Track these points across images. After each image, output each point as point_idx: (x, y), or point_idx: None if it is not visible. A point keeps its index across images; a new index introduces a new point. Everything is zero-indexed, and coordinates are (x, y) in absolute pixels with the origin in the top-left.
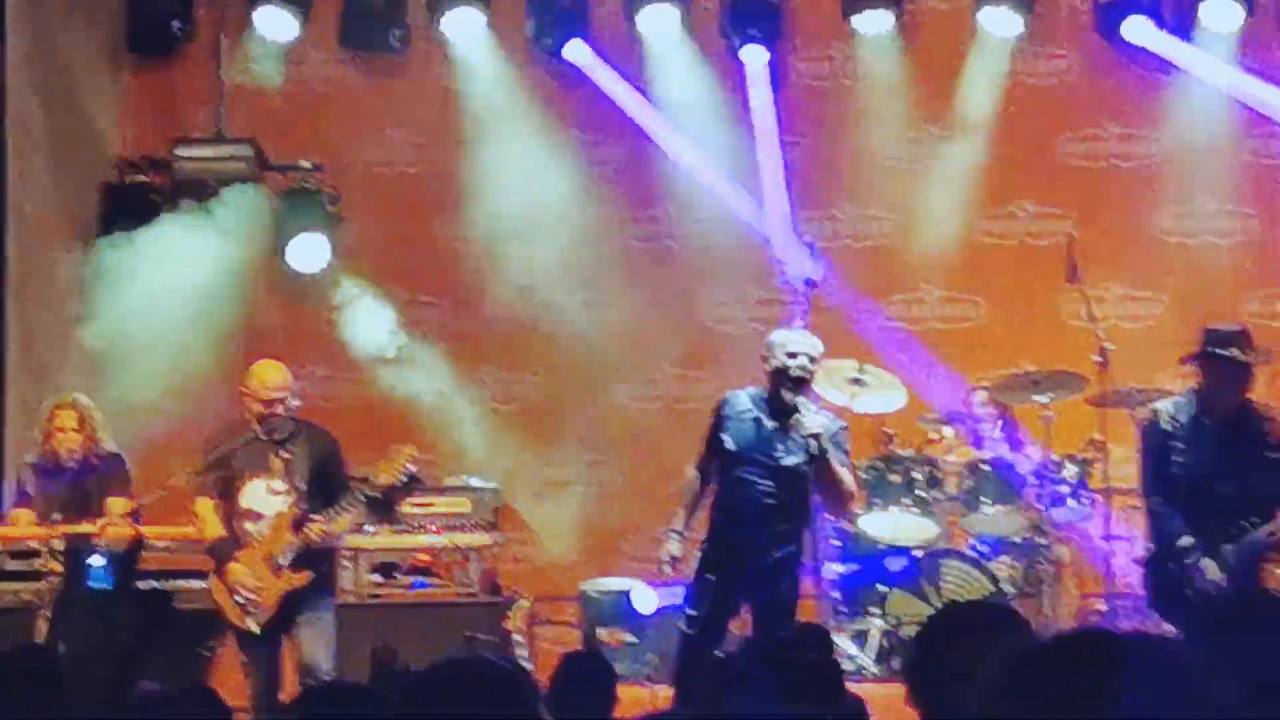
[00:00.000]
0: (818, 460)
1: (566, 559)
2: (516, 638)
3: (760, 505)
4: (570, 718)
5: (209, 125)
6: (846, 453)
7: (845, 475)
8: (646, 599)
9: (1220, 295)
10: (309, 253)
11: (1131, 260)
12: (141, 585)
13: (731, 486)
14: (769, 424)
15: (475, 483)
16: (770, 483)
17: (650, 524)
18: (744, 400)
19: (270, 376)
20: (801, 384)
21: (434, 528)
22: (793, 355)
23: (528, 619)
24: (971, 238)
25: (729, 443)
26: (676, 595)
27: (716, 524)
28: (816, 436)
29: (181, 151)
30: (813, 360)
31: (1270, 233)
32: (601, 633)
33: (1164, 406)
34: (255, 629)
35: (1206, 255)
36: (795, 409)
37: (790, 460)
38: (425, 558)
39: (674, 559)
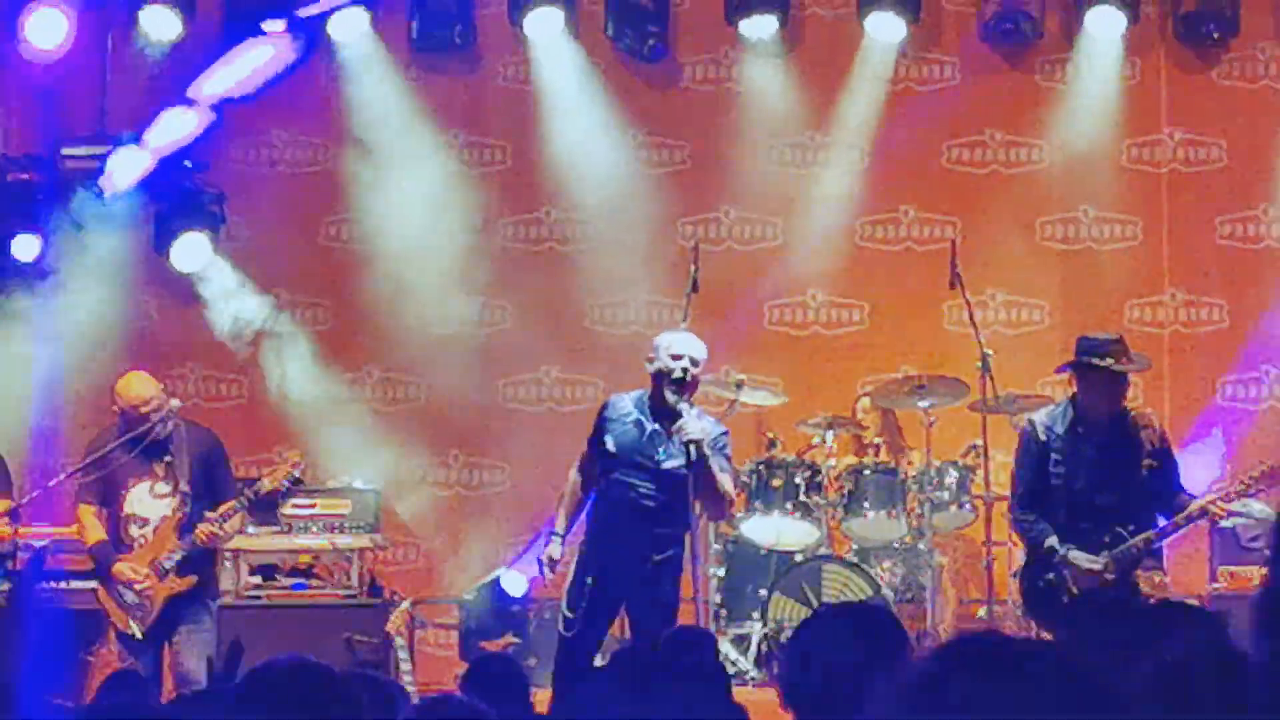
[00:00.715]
0: (698, 465)
1: (448, 561)
2: (397, 640)
3: (640, 507)
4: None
5: (93, 123)
6: (728, 458)
7: (725, 481)
8: (516, 582)
9: (1102, 302)
10: (191, 252)
11: (1014, 266)
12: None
13: (612, 488)
14: (651, 426)
15: (357, 484)
16: (651, 485)
17: (532, 526)
18: (627, 403)
19: (137, 390)
20: (684, 386)
21: (315, 529)
22: (677, 357)
23: (408, 621)
24: (855, 242)
25: (610, 444)
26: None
27: (595, 526)
28: (698, 443)
29: (65, 150)
30: (695, 363)
31: (1151, 239)
32: (484, 644)
33: (1039, 417)
34: (138, 633)
35: (1088, 262)
36: (678, 413)
37: (671, 463)
38: (306, 559)
39: (553, 560)
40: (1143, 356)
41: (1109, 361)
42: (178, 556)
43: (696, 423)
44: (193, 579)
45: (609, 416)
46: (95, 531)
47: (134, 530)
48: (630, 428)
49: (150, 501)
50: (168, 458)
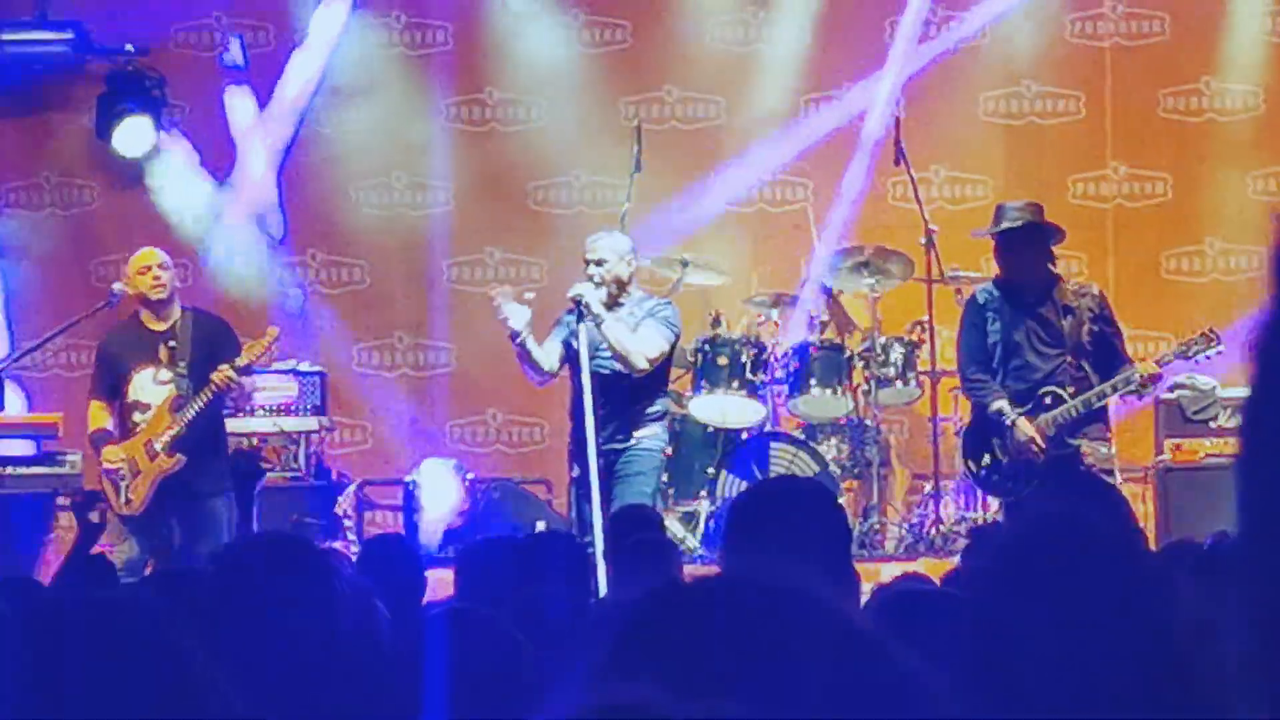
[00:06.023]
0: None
1: (394, 443)
2: (345, 521)
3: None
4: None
5: (30, 7)
6: (661, 321)
7: (616, 335)
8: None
9: (1045, 177)
10: (134, 137)
11: (957, 142)
12: None
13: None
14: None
15: (303, 367)
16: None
17: (476, 408)
18: None
19: (158, 255)
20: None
21: (262, 412)
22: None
23: (355, 503)
24: (800, 120)
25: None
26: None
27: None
28: (582, 301)
29: (3, 35)
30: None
31: (1094, 113)
32: (427, 520)
33: (983, 287)
34: (130, 511)
35: (1031, 137)
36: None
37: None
38: (253, 442)
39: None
40: (1057, 229)
41: (1004, 224)
42: (171, 434)
43: (582, 286)
44: (181, 457)
45: None
46: (95, 422)
47: (137, 416)
48: None
49: (153, 388)
50: (172, 343)
